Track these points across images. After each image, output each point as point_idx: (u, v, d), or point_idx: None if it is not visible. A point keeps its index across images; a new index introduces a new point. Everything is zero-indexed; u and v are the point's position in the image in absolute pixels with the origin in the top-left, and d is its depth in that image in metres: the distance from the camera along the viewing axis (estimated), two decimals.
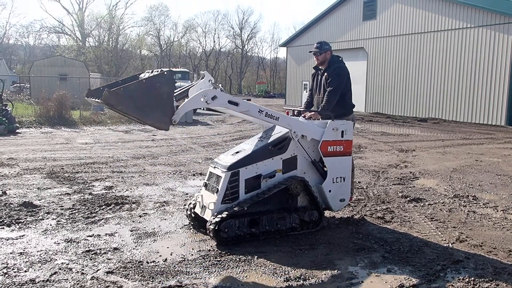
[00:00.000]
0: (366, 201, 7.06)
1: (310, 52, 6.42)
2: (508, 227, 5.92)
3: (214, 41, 78.43)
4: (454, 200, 7.22)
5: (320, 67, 6.33)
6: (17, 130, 16.31)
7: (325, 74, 6.14)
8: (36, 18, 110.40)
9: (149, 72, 5.24)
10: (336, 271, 4.41)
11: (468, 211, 6.63)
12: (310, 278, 4.25)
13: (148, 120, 4.84)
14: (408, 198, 7.24)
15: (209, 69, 77.16)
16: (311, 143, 5.56)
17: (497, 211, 6.67)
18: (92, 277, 4.18)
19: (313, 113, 5.87)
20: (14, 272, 4.28)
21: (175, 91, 5.01)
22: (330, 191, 5.61)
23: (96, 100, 4.94)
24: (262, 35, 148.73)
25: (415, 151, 12.68)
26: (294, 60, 37.39)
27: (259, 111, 5.34)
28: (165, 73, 4.83)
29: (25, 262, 4.53)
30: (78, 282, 4.07)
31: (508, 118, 21.71)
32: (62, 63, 32.11)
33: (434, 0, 25.47)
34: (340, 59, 6.26)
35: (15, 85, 41.40)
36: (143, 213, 6.29)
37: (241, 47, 78.07)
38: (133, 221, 5.93)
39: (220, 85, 6.04)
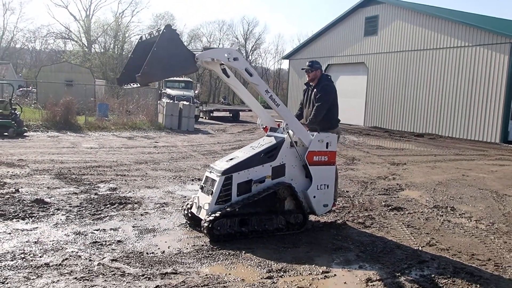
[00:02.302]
0: (351, 208, 7.63)
1: (302, 69, 7.04)
2: (477, 235, 6.48)
3: None
4: (433, 210, 7.78)
5: (310, 83, 6.97)
6: (25, 134, 16.93)
7: (315, 90, 6.77)
8: (43, 23, 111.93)
9: (145, 34, 5.89)
10: (313, 265, 4.98)
11: (444, 220, 7.20)
12: (289, 270, 4.83)
13: (178, 72, 5.67)
14: (390, 207, 7.80)
15: (213, 78, 78.02)
16: (301, 150, 6.12)
17: (471, 221, 7.22)
18: (98, 263, 4.77)
19: None
20: (31, 257, 4.87)
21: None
22: (314, 196, 6.18)
23: (132, 85, 5.58)
24: (267, 46, 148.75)
25: (406, 165, 13.23)
26: (296, 72, 38.05)
27: (266, 91, 5.93)
28: (165, 31, 5.49)
29: (40, 249, 5.12)
30: (86, 267, 4.66)
31: (502, 136, 22.26)
32: (68, 69, 32.90)
33: (433, 18, 26.18)
34: (329, 77, 6.90)
35: (21, 89, 42.11)
36: (144, 212, 6.88)
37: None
38: (135, 219, 6.51)
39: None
